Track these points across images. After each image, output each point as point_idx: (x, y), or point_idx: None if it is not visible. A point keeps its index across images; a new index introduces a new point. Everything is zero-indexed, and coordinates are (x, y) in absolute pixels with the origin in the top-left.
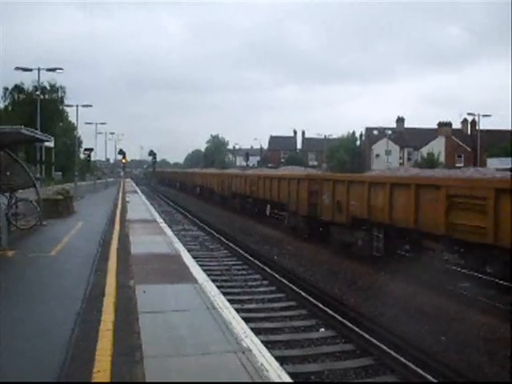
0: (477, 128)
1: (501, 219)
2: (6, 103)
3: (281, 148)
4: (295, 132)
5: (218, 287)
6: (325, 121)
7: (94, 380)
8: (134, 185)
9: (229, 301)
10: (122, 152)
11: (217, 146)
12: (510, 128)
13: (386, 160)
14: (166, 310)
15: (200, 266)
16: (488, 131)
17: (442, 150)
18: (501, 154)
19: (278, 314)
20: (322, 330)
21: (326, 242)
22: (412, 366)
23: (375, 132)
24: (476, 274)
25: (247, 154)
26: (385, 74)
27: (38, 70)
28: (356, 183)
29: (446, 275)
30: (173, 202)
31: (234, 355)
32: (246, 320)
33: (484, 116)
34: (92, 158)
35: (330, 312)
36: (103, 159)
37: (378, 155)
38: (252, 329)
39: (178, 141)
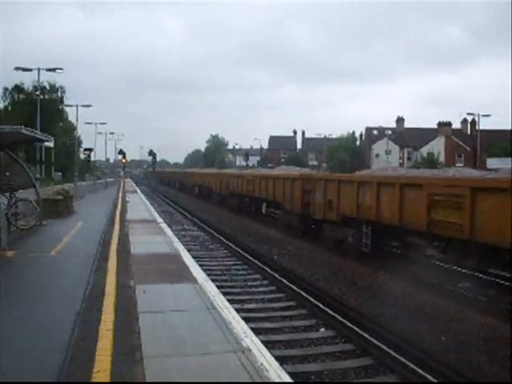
0: (477, 128)
1: (476, 216)
2: (6, 103)
3: (281, 148)
4: (295, 132)
5: (218, 287)
6: (324, 120)
7: (93, 380)
8: (134, 185)
9: (228, 301)
10: (121, 152)
11: (217, 145)
12: (509, 128)
13: (386, 160)
14: (165, 309)
15: (200, 265)
16: (488, 131)
17: (442, 150)
18: (501, 154)
19: (278, 313)
20: (322, 329)
21: (318, 239)
22: (411, 365)
23: (375, 132)
24: (476, 274)
25: (247, 154)
26: (384, 74)
27: (38, 70)
28: (346, 183)
29: (445, 275)
30: (172, 201)
31: (234, 355)
32: (246, 320)
33: (484, 116)
34: (92, 158)
35: (330, 312)
36: (103, 159)
37: (377, 155)
38: (252, 329)
39: (177, 141)
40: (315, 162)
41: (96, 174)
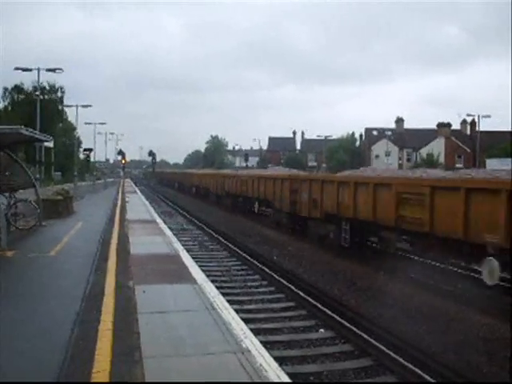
0: (476, 129)
1: (435, 211)
2: (6, 103)
3: (280, 149)
4: (294, 133)
5: (218, 287)
6: (323, 121)
7: (93, 380)
8: (134, 185)
9: (228, 301)
10: (121, 152)
11: (216, 146)
12: (509, 129)
13: (386, 161)
14: (165, 310)
15: (199, 266)
16: (488, 132)
17: (442, 151)
18: (500, 155)
19: (277, 314)
20: (322, 330)
21: (304, 234)
22: (410, 365)
23: (375, 133)
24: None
25: (246, 154)
26: (383, 74)
27: (38, 70)
28: (328, 183)
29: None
30: (171, 201)
31: (234, 356)
32: (246, 321)
33: (483, 117)
34: (91, 159)
35: (329, 312)
36: (103, 159)
37: (377, 156)
38: (251, 329)
39: (177, 141)
40: (315, 163)
41: (96, 174)
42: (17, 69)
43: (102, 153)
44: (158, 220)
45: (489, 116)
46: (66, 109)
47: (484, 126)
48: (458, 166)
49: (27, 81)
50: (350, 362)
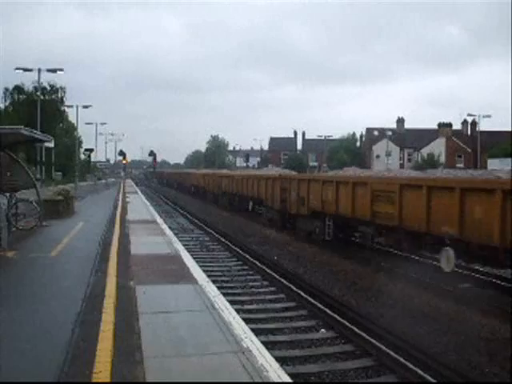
0: (477, 129)
1: (403, 207)
2: (7, 104)
3: (281, 149)
4: (295, 133)
5: (218, 288)
6: (324, 121)
7: (94, 380)
8: (135, 185)
9: (229, 301)
10: (122, 153)
11: (217, 146)
12: (509, 129)
13: (387, 161)
14: (166, 310)
15: (200, 266)
16: (488, 132)
17: (443, 151)
18: (501, 155)
19: (279, 315)
20: (323, 330)
21: (294, 230)
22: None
23: (375, 133)
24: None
25: (247, 155)
26: (384, 75)
27: (39, 70)
28: (314, 182)
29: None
30: (171, 201)
31: (234, 356)
32: (246, 320)
33: (484, 117)
34: (92, 159)
35: (330, 312)
36: (103, 160)
37: (378, 156)
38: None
39: (178, 141)
40: (316, 163)
41: (97, 174)
42: (17, 69)
43: (103, 153)
44: (159, 220)
45: (489, 116)
46: (66, 109)
47: (485, 125)
48: (458, 165)
49: (27, 81)
50: (351, 361)
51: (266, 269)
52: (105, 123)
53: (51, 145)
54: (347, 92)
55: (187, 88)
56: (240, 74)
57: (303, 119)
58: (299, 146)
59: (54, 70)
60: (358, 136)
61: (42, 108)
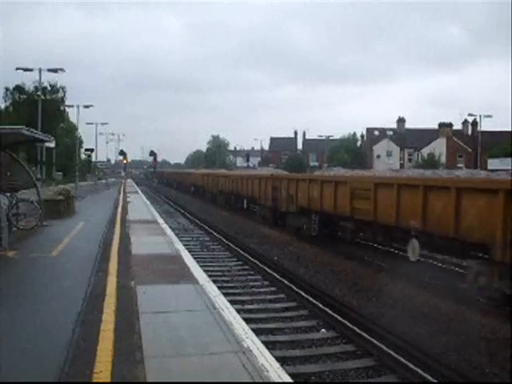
0: (478, 129)
1: (377, 203)
2: (7, 103)
3: (281, 149)
4: (296, 133)
5: (219, 288)
6: (324, 121)
7: (94, 380)
8: (135, 185)
9: (230, 301)
10: (122, 153)
11: (218, 146)
12: (510, 129)
13: (387, 161)
14: (166, 310)
15: (200, 266)
16: (489, 132)
17: (443, 151)
18: (502, 155)
19: (280, 315)
20: (323, 330)
21: (284, 226)
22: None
23: (376, 133)
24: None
25: (248, 155)
26: (385, 75)
27: (40, 70)
28: (301, 181)
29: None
30: (172, 201)
31: (235, 355)
32: (247, 320)
33: (485, 117)
34: (93, 159)
35: (330, 312)
36: (104, 159)
37: (378, 156)
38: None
39: (178, 141)
40: (316, 163)
41: (97, 174)
42: (18, 69)
43: (104, 153)
44: (159, 220)
45: (490, 116)
46: (67, 109)
47: (485, 125)
48: (459, 165)
49: (28, 81)
50: (351, 361)
51: (267, 269)
52: (105, 123)
53: (52, 145)
54: (348, 92)
55: (187, 88)
56: (240, 74)
57: (304, 119)
58: (300, 145)
59: (54, 70)
60: (358, 136)
61: (42, 108)
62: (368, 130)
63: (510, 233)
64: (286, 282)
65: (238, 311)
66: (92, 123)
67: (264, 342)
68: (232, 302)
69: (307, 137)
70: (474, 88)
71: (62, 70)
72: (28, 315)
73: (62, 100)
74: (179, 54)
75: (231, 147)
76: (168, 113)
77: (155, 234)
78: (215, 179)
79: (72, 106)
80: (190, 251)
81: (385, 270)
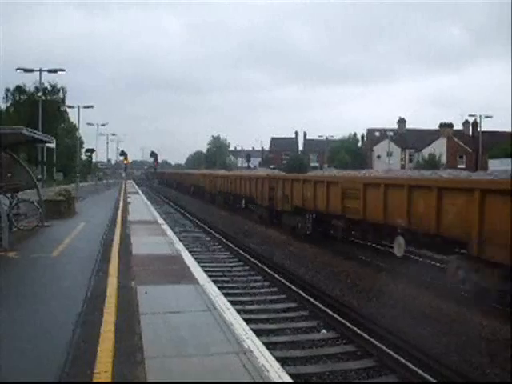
0: (478, 129)
1: (366, 202)
2: (8, 104)
3: (282, 149)
4: (296, 133)
5: (219, 288)
6: (325, 121)
7: (95, 380)
8: (136, 186)
9: (230, 301)
10: (123, 153)
11: (218, 147)
12: (510, 129)
13: (388, 161)
14: (167, 310)
15: (201, 266)
16: (490, 132)
17: (444, 152)
18: (501, 155)
19: (280, 315)
20: (324, 331)
21: (280, 225)
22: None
23: (377, 133)
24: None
25: (248, 155)
26: (386, 75)
27: (40, 71)
28: (296, 181)
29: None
30: (172, 201)
31: (236, 356)
32: (247, 321)
33: (486, 117)
34: (93, 159)
35: (331, 312)
36: (104, 160)
37: (379, 156)
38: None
39: (178, 142)
40: (317, 164)
41: (98, 175)
42: (18, 69)
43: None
44: (160, 220)
45: (491, 116)
46: (67, 109)
47: (486, 126)
48: (459, 166)
49: (28, 82)
50: (352, 362)
51: (267, 269)
52: (106, 124)
53: (53, 145)
54: (348, 92)
55: (187, 88)
56: (240, 74)
57: (304, 119)
58: (300, 146)
59: (55, 71)
60: (359, 136)
61: (43, 108)
62: (369, 130)
63: (485, 229)
64: (286, 282)
65: (239, 311)
66: (92, 124)
67: (264, 343)
68: (232, 303)
69: (308, 137)
70: (474, 88)
71: (62, 70)
72: (28, 315)
73: (63, 100)
74: (179, 54)
75: (231, 147)
76: (168, 113)
77: (155, 234)
78: (214, 180)
79: (73, 107)
80: (190, 251)
81: (385, 270)
